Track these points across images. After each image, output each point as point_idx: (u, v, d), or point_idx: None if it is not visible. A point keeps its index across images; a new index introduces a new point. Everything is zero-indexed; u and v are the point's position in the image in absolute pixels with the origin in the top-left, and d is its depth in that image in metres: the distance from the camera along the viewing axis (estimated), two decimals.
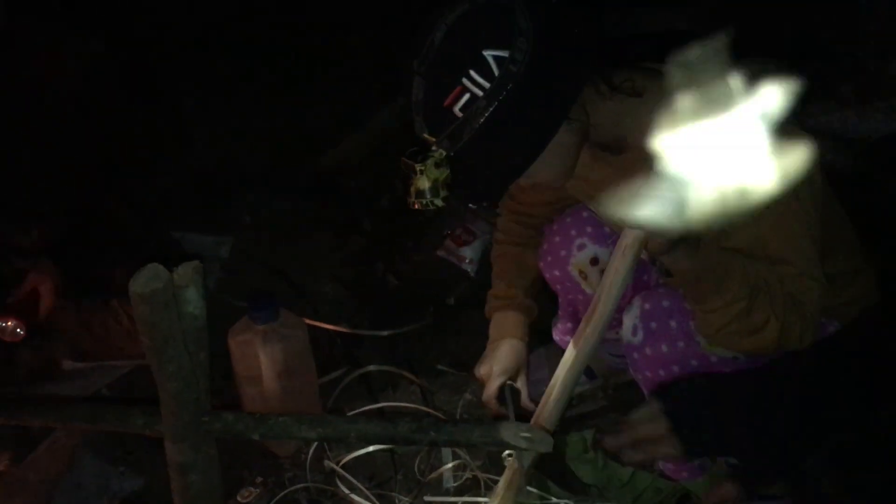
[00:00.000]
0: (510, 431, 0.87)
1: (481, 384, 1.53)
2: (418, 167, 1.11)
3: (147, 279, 0.74)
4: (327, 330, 1.89)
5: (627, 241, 1.06)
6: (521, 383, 1.51)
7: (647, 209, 0.93)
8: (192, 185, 2.04)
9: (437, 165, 1.11)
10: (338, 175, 2.46)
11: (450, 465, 1.54)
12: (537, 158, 1.13)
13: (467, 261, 2.08)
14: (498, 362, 1.51)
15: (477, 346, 1.87)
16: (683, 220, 0.92)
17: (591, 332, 1.12)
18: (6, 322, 1.66)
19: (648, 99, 1.20)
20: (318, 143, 2.54)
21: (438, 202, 1.13)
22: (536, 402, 1.24)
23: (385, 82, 2.80)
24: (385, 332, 1.91)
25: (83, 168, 1.89)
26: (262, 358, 1.52)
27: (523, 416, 1.30)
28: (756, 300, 1.10)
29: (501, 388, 1.49)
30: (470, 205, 1.35)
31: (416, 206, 1.14)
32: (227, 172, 2.36)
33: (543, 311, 1.65)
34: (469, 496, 1.50)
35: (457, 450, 1.55)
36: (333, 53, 2.82)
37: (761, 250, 1.14)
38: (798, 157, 1.15)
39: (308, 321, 1.67)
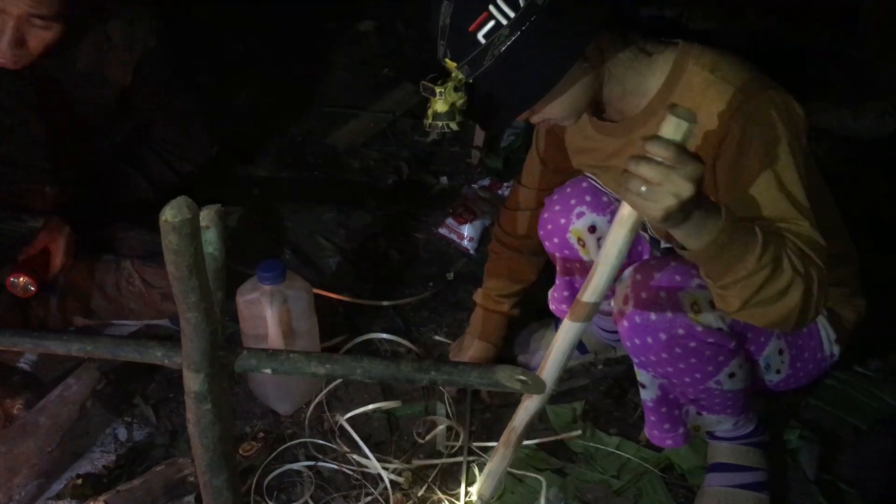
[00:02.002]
0: (506, 374, 0.93)
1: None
2: (438, 89, 1.17)
3: (177, 209, 0.80)
4: (330, 298, 1.94)
5: (626, 210, 1.07)
6: None
7: (630, 192, 0.99)
8: (204, 157, 2.08)
9: (456, 90, 1.18)
10: (344, 154, 2.52)
11: (442, 426, 1.61)
12: (550, 90, 1.19)
13: (467, 238, 2.14)
14: (462, 359, 1.69)
15: None
16: (662, 205, 0.97)
17: (587, 297, 1.14)
18: (18, 278, 1.70)
19: (654, 62, 1.26)
20: (327, 122, 2.61)
21: (454, 126, 1.19)
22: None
23: (392, 66, 2.88)
24: (385, 303, 1.97)
25: (99, 134, 1.94)
26: (268, 317, 1.58)
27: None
28: (778, 264, 1.09)
29: None
30: (487, 131, 1.38)
31: (432, 128, 1.19)
32: (238, 146, 2.42)
33: (540, 282, 1.71)
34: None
35: (451, 421, 1.63)
36: (345, 37, 2.88)
37: (763, 211, 1.16)
38: (787, 115, 1.21)
39: (312, 290, 1.73)
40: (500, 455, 1.37)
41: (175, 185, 2.02)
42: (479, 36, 1.16)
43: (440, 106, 1.20)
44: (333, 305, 1.95)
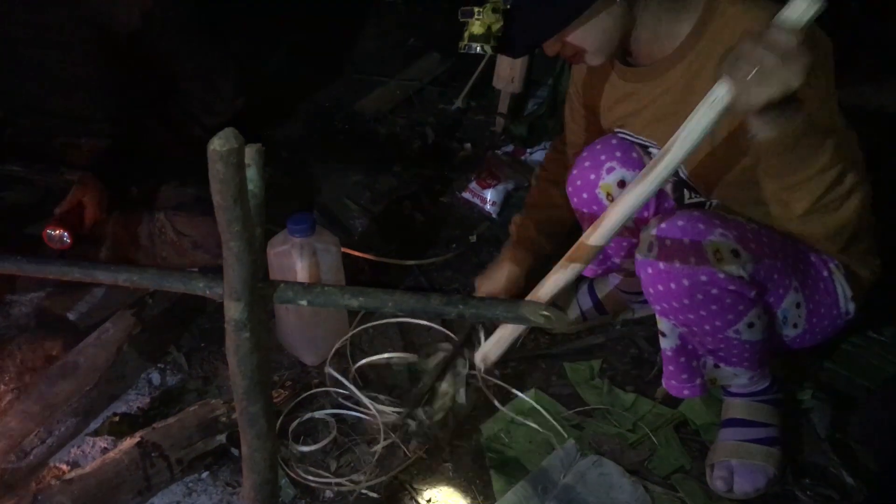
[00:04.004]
0: (530, 308, 0.97)
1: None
2: (477, 9, 1.22)
3: (224, 139, 0.84)
4: (356, 257, 2.00)
5: (721, 91, 1.04)
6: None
7: (742, 70, 0.98)
8: (235, 119, 2.13)
9: (494, 11, 1.23)
10: (371, 120, 2.57)
11: (465, 371, 1.66)
12: (580, 17, 1.26)
13: (490, 203, 2.18)
14: (491, 283, 1.69)
15: None
16: (766, 93, 0.98)
17: (662, 166, 1.11)
18: (54, 230, 1.76)
19: (688, 5, 1.31)
20: (355, 89, 2.65)
21: (488, 48, 1.25)
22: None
23: (419, 36, 2.91)
24: (410, 262, 2.02)
25: (134, 91, 2.00)
26: (297, 268, 1.64)
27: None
28: (845, 165, 1.12)
29: None
30: (516, 56, 1.43)
31: (468, 51, 1.25)
32: (268, 110, 2.47)
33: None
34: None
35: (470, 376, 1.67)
36: (374, 7, 2.92)
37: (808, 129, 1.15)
38: (819, 37, 1.21)
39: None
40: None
41: (201, 140, 2.07)
42: None
43: (477, 28, 1.25)
44: (359, 264, 2.01)
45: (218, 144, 0.85)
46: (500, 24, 1.24)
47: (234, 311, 1.00)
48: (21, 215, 1.92)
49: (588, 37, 1.31)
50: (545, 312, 0.98)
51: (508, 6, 1.26)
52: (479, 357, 1.46)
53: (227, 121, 2.08)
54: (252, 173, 1.00)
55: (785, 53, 0.98)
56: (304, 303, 1.02)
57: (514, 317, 0.99)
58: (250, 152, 0.99)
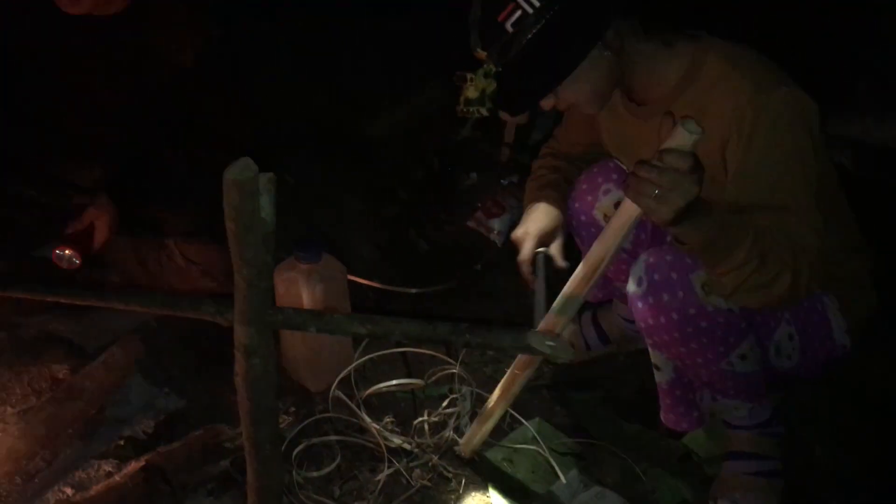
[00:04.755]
0: (536, 338, 0.98)
1: (517, 247, 1.58)
2: (469, 76, 1.25)
3: (240, 169, 0.86)
4: (360, 284, 2.01)
5: (628, 206, 1.17)
6: (554, 248, 1.57)
7: (642, 195, 1.07)
8: (243, 147, 2.14)
9: (486, 76, 1.26)
10: (377, 147, 2.59)
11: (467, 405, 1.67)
12: (571, 74, 1.28)
13: (495, 232, 2.20)
14: (533, 223, 1.58)
15: (500, 309, 2.00)
16: (670, 208, 1.06)
17: (580, 270, 1.25)
18: (64, 251, 1.77)
19: (675, 53, 1.34)
20: (360, 116, 2.68)
21: (484, 111, 1.28)
22: (569, 266, 1.34)
23: (425, 63, 2.94)
24: (413, 290, 2.03)
25: (148, 119, 2.01)
26: (304, 295, 1.65)
27: (555, 285, 1.35)
28: (766, 257, 1.19)
29: (535, 253, 1.54)
30: (513, 114, 1.46)
31: (465, 115, 1.27)
32: (274, 136, 2.49)
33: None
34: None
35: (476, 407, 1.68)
36: (380, 33, 2.95)
37: (763, 198, 1.24)
38: (798, 108, 1.28)
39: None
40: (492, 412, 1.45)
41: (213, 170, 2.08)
42: (508, 25, 1.27)
43: (471, 92, 1.29)
44: (364, 291, 2.02)
45: (233, 173, 0.87)
46: (493, 87, 1.27)
47: (243, 336, 1.01)
48: (30, 237, 1.93)
49: (580, 91, 1.34)
50: (551, 343, 0.99)
51: (500, 69, 1.28)
52: (463, 442, 1.53)
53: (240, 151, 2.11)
54: (264, 201, 1.02)
55: (680, 174, 1.08)
56: (313, 330, 1.03)
57: (521, 346, 1.00)
58: (262, 181, 1.01)
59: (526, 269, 1.55)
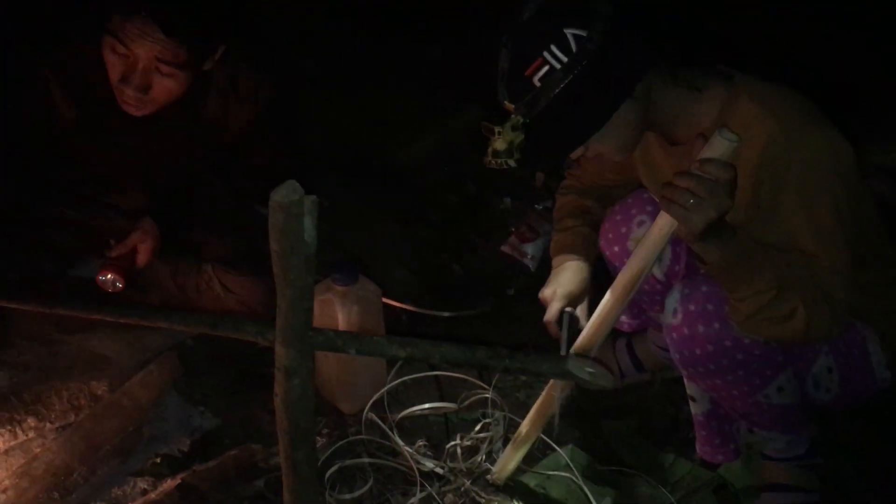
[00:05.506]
0: (576, 364, 0.98)
1: (544, 306, 1.58)
2: (497, 129, 1.25)
3: (287, 192, 0.88)
4: (393, 307, 2.02)
5: (662, 220, 1.20)
6: (580, 310, 1.57)
7: (676, 204, 1.08)
8: (281, 171, 2.15)
9: (514, 129, 1.26)
10: (411, 171, 2.61)
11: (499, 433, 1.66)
12: (601, 129, 1.27)
13: (529, 257, 2.20)
14: (561, 285, 1.57)
15: (532, 334, 1.99)
16: (705, 217, 1.06)
17: (613, 291, 1.26)
18: (108, 275, 1.80)
19: (705, 97, 1.33)
20: (395, 140, 2.71)
21: (511, 163, 1.28)
22: None
23: (462, 90, 2.97)
24: (446, 314, 2.04)
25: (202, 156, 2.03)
26: (339, 317, 1.66)
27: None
28: (784, 291, 1.19)
29: (562, 312, 1.54)
30: (538, 168, 1.46)
31: (493, 166, 1.27)
32: (311, 159, 2.52)
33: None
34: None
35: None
36: (415, 59, 2.98)
37: (793, 244, 1.24)
38: (832, 154, 1.28)
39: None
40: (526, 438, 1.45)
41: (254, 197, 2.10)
42: (535, 79, 1.26)
43: (499, 144, 1.29)
44: (397, 313, 2.03)
45: (280, 196, 0.89)
46: (521, 139, 1.27)
47: (284, 357, 1.02)
48: (68, 257, 1.96)
49: (607, 142, 1.33)
50: (591, 369, 0.99)
51: (528, 120, 1.28)
52: (496, 468, 1.53)
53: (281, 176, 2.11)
54: (307, 223, 1.03)
55: (715, 183, 1.10)
56: (352, 351, 1.04)
57: (560, 372, 1.00)
58: (306, 203, 1.03)
59: (552, 328, 1.56)
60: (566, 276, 1.58)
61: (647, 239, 1.21)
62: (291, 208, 0.88)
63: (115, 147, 1.86)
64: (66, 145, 1.86)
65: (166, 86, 1.67)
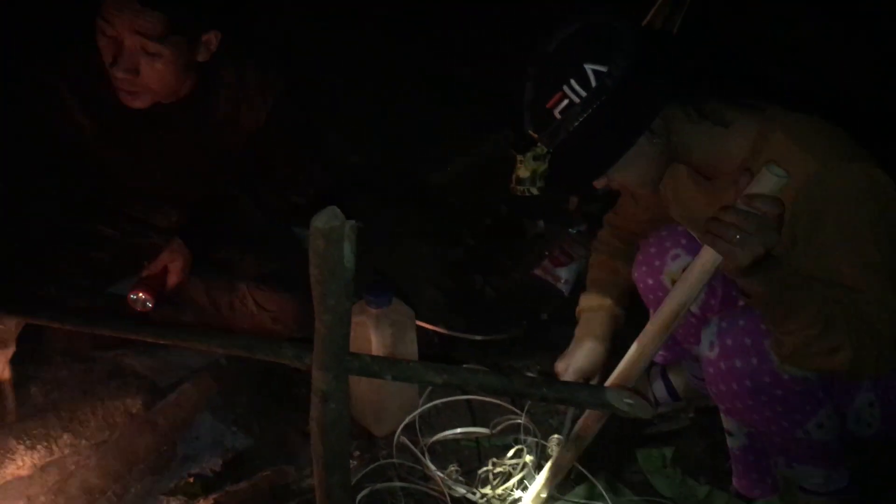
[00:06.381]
0: (614, 395, 0.97)
1: (557, 377, 1.60)
2: (519, 157, 1.27)
3: (328, 217, 0.88)
4: (426, 329, 2.01)
5: (706, 255, 1.18)
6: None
7: (722, 239, 1.07)
8: (313, 190, 2.17)
9: (536, 158, 1.27)
10: (444, 192, 2.62)
11: (528, 458, 1.64)
12: (619, 161, 1.28)
13: (563, 281, 2.19)
14: (575, 361, 1.60)
15: None
16: (751, 252, 1.05)
17: (653, 325, 1.24)
18: (138, 294, 1.81)
19: (735, 131, 1.31)
20: (428, 160, 2.71)
21: (534, 190, 1.29)
22: None
23: (495, 112, 2.97)
24: (479, 337, 2.03)
25: (229, 171, 2.05)
26: (373, 339, 1.66)
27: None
28: (830, 326, 1.17)
29: None
30: (561, 195, 1.49)
31: (517, 192, 1.28)
32: (344, 180, 2.53)
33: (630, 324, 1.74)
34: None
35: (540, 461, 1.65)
36: (449, 82, 3.00)
37: (835, 279, 1.21)
38: (871, 187, 1.26)
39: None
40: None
41: (282, 212, 2.11)
42: (556, 112, 1.29)
43: (522, 172, 1.30)
44: (428, 336, 2.02)
45: (321, 222, 0.89)
46: (544, 167, 1.28)
47: (321, 381, 1.02)
48: (107, 274, 1.99)
49: (629, 175, 1.34)
50: (629, 400, 0.98)
51: (551, 149, 1.30)
52: (529, 496, 1.51)
53: (314, 199, 2.13)
54: (347, 249, 1.03)
55: (762, 219, 1.09)
56: (389, 377, 1.04)
57: (598, 403, 0.99)
58: (346, 228, 1.03)
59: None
60: (581, 354, 1.61)
61: (690, 273, 1.20)
62: (332, 234, 0.88)
63: (133, 152, 1.89)
64: (90, 157, 1.89)
65: (155, 68, 1.68)
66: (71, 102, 1.82)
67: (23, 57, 1.87)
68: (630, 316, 1.68)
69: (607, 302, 1.65)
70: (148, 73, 1.70)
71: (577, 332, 1.67)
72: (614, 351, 1.64)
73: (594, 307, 1.66)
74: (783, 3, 2.32)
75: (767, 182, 1.10)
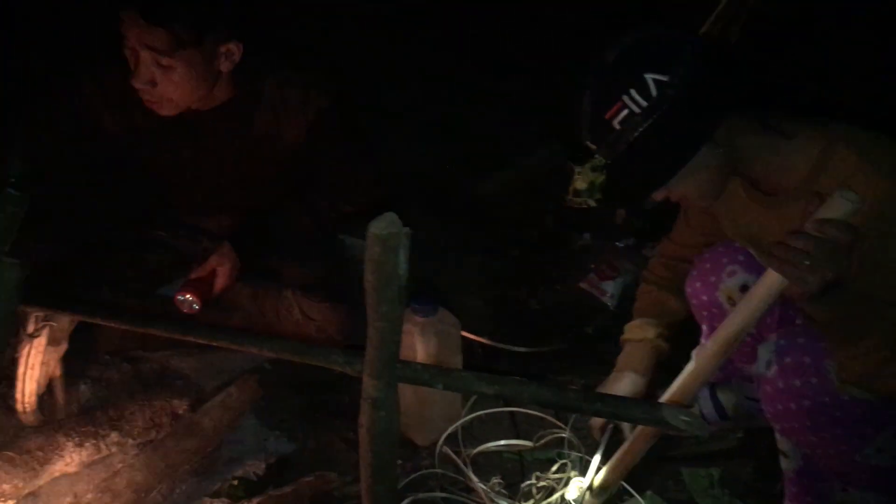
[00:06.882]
0: (671, 412, 0.95)
1: None
2: (577, 169, 1.25)
3: (386, 224, 0.88)
4: (469, 339, 2.00)
5: (770, 279, 1.14)
6: (625, 423, 1.55)
7: (789, 264, 1.04)
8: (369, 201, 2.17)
9: (594, 170, 1.25)
10: (491, 204, 2.61)
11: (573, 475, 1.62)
12: (679, 172, 1.26)
13: (608, 295, 2.16)
14: (614, 393, 1.57)
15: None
16: (821, 279, 1.02)
17: (712, 345, 1.21)
18: (185, 296, 1.83)
19: (798, 145, 1.28)
20: (475, 173, 2.71)
21: (591, 202, 1.27)
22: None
23: (543, 124, 2.96)
24: (523, 349, 2.01)
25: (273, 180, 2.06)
26: (418, 347, 1.66)
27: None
28: None
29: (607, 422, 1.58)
30: (619, 209, 1.47)
31: (574, 205, 1.27)
32: (393, 189, 2.53)
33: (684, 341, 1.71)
34: None
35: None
36: (497, 94, 3.00)
37: None
38: None
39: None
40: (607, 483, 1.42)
41: (333, 221, 2.11)
42: (615, 122, 1.26)
43: (580, 183, 1.28)
44: (473, 347, 2.01)
45: (379, 228, 0.89)
46: (602, 179, 1.26)
47: (372, 388, 1.02)
48: (158, 276, 2.01)
49: (691, 185, 1.32)
50: (686, 417, 0.96)
51: (609, 161, 1.28)
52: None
53: (362, 208, 2.13)
54: (401, 257, 1.03)
55: (833, 244, 1.06)
56: (440, 386, 1.03)
57: (654, 419, 0.97)
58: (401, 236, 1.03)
59: (595, 433, 1.63)
60: (620, 388, 1.61)
61: (752, 296, 1.16)
62: (389, 241, 0.88)
63: (174, 157, 1.90)
64: (137, 161, 1.91)
65: (171, 80, 1.68)
66: (98, 104, 1.83)
67: (67, 62, 1.90)
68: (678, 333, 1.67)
69: (651, 333, 1.65)
70: (165, 85, 1.70)
71: (619, 362, 1.67)
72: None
73: (638, 338, 1.66)
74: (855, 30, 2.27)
75: (840, 207, 1.07)
